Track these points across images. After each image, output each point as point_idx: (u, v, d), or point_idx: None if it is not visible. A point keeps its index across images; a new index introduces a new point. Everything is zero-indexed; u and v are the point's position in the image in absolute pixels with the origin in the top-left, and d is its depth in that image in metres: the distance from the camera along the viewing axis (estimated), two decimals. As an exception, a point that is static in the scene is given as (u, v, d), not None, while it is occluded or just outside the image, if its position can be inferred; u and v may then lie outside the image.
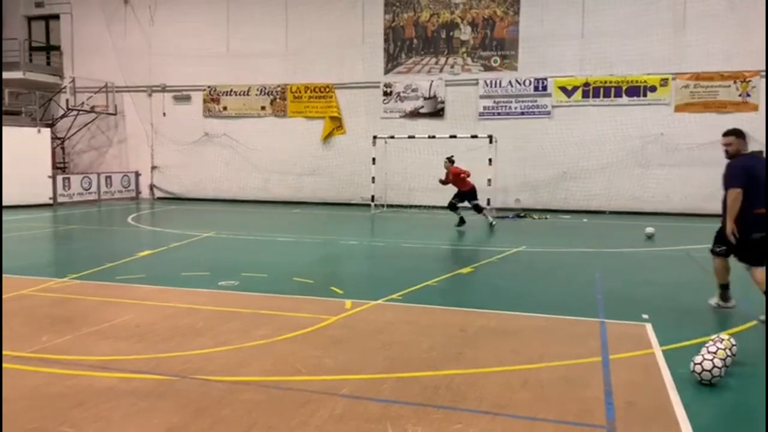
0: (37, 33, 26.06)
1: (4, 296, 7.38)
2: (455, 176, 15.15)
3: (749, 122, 18.28)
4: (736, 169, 6.48)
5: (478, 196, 15.40)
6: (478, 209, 15.36)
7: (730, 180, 6.48)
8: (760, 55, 18.13)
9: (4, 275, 8.73)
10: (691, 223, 17.05)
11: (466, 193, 15.18)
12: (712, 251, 6.91)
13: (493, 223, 15.38)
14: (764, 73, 18.25)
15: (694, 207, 18.98)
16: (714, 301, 7.12)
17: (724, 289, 7.03)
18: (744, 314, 6.81)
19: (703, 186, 18.99)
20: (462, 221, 15.26)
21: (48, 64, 25.57)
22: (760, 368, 5.11)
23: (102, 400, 4.32)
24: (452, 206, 15.32)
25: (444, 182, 15.47)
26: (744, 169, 6.45)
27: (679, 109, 19.20)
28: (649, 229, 13.88)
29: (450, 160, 15.43)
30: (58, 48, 25.40)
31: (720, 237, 6.75)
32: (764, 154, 17.69)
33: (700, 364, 4.67)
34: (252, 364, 5.08)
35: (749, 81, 18.47)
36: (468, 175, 15.13)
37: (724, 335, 4.93)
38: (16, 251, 11.25)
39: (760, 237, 6.34)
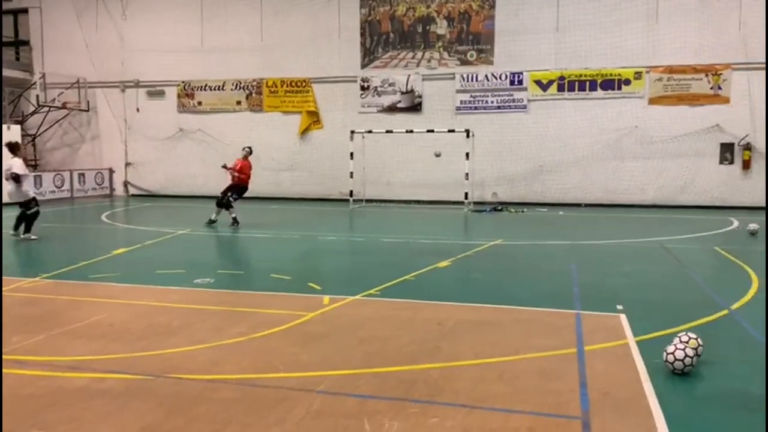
0: (6, 27, 25.50)
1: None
2: (248, 168, 14.62)
3: (721, 115, 18.65)
4: None
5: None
6: (229, 205, 14.29)
7: None
8: (730, 49, 18.46)
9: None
10: (665, 214, 17.29)
11: (243, 187, 14.58)
12: None
13: (236, 221, 14.29)
14: (735, 67, 18.51)
15: (667, 199, 19.26)
16: None
17: None
18: (714, 304, 6.93)
19: (676, 178, 19.30)
20: (235, 221, 14.28)
21: (17, 59, 25.04)
22: (730, 358, 5.21)
23: (74, 400, 4.25)
24: (228, 204, 14.25)
25: (230, 169, 14.65)
26: None
27: (653, 102, 19.41)
28: (753, 225, 12.68)
29: (250, 151, 15.04)
30: (27, 43, 24.90)
31: None
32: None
33: (672, 353, 4.73)
34: (228, 362, 5.04)
35: (720, 74, 18.71)
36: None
37: (692, 334, 4.98)
38: (-13, 251, 11.04)
39: None
